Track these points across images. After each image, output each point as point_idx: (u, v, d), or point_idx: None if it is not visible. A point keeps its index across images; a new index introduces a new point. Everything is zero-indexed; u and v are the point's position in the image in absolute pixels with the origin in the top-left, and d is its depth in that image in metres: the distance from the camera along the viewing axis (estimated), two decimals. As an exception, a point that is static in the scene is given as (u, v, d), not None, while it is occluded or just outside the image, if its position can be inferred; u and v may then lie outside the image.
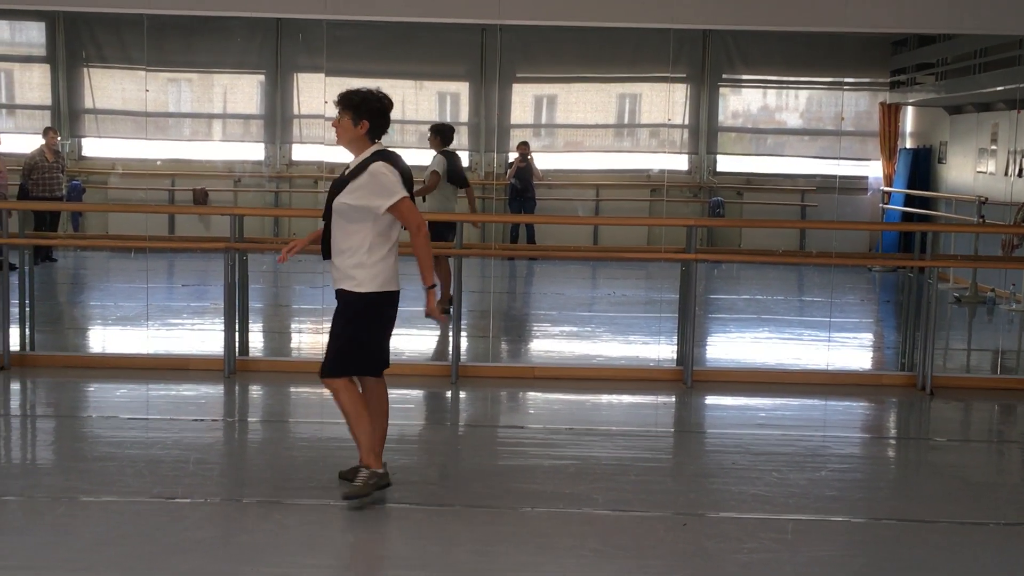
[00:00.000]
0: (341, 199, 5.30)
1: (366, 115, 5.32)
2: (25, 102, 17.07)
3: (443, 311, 10.79)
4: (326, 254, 5.43)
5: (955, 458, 6.95)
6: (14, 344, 8.45)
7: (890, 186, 16.28)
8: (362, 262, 5.29)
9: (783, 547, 5.09)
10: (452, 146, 10.84)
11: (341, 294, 5.39)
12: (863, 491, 6.11)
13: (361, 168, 5.31)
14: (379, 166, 5.28)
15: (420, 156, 11.39)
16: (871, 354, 10.58)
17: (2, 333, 8.23)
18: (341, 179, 5.38)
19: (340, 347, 5.39)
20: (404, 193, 5.29)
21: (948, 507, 5.80)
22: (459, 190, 10.81)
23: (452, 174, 10.60)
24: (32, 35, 16.79)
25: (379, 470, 5.42)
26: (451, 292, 10.79)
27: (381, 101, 5.39)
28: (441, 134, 10.67)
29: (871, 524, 5.53)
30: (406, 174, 5.39)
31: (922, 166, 15.83)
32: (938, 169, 15.66)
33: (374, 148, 5.37)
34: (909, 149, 16.33)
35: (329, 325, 5.47)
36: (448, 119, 16.69)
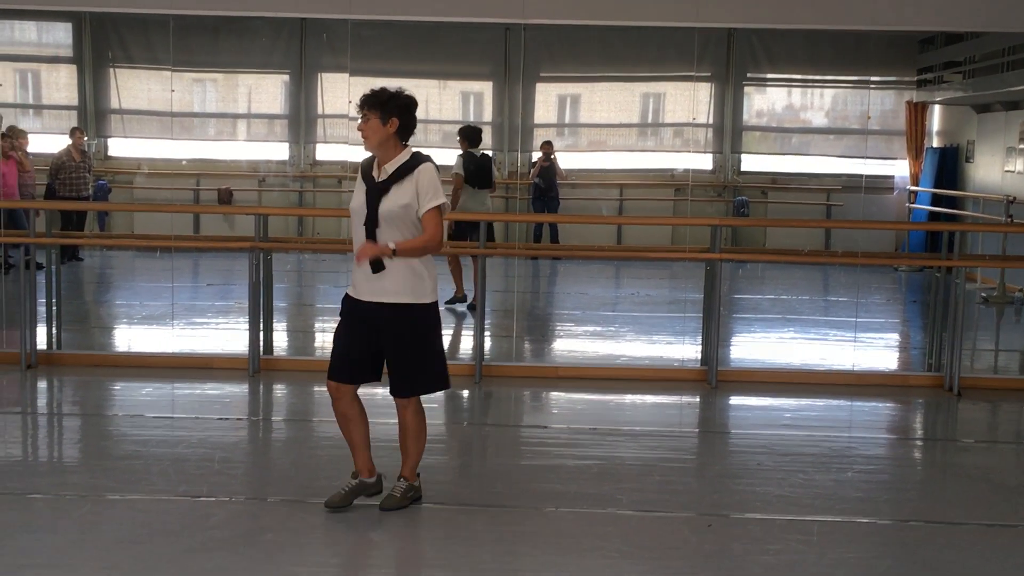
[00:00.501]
0: (391, 204, 5.07)
1: (395, 112, 5.11)
2: (52, 102, 17.19)
3: (468, 305, 10.90)
4: (376, 267, 5.08)
5: (982, 460, 6.89)
6: (41, 343, 8.51)
7: (917, 185, 16.16)
8: (419, 271, 5.14)
9: (809, 549, 5.05)
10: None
11: (410, 308, 5.13)
12: (890, 492, 6.06)
13: (406, 170, 5.10)
14: (429, 167, 5.15)
15: (445, 156, 11.42)
16: (897, 354, 10.50)
17: (29, 332, 8.28)
18: (378, 185, 5.11)
19: (423, 364, 5.23)
20: (443, 200, 5.17)
21: (976, 509, 5.75)
22: (484, 191, 10.89)
23: (470, 174, 10.70)
24: (59, 36, 16.90)
25: (416, 483, 5.44)
26: (476, 292, 10.86)
27: (408, 98, 5.20)
28: (469, 137, 10.83)
29: (898, 526, 5.49)
30: None
31: (949, 165, 15.71)
32: (965, 168, 15.53)
33: (411, 151, 5.20)
34: (936, 148, 16.20)
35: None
36: (472, 119, 16.72)
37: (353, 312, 5.23)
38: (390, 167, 5.14)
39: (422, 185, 5.09)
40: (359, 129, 5.18)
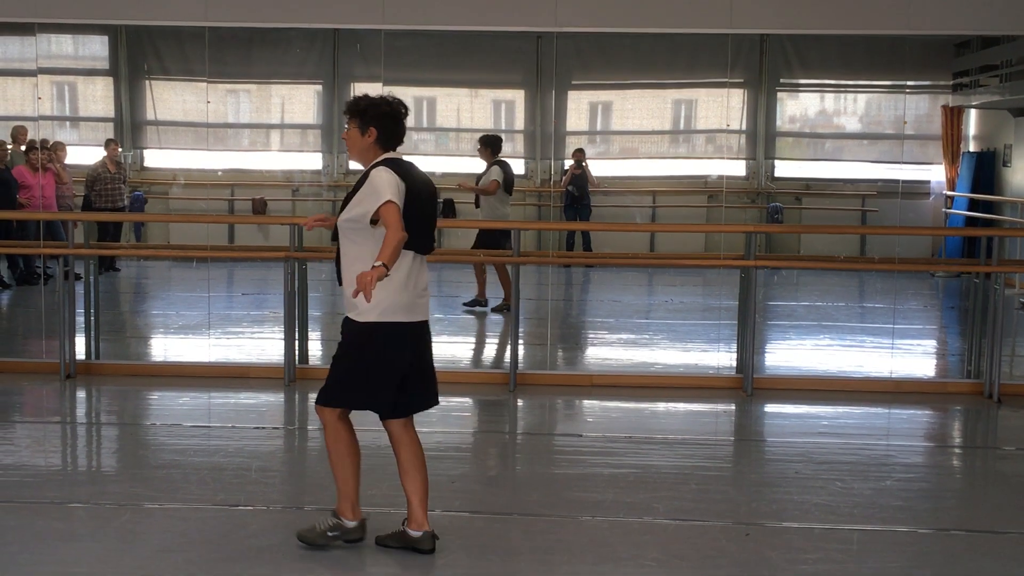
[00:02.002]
0: (342, 216, 4.79)
1: (373, 121, 4.80)
2: (89, 114, 17.38)
3: (504, 309, 10.97)
4: (338, 279, 4.91)
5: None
6: (80, 353, 8.60)
7: (953, 190, 16.01)
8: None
9: (848, 558, 5.01)
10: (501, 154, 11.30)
11: (350, 323, 4.88)
12: (929, 501, 6.00)
13: (364, 178, 4.77)
14: (378, 171, 4.71)
15: (478, 164, 11.53)
16: (936, 361, 10.40)
17: (68, 342, 8.37)
18: (348, 195, 4.86)
19: (336, 375, 4.92)
20: (391, 196, 4.61)
21: (1018, 518, 5.68)
22: (510, 197, 11.13)
23: (507, 183, 11.06)
24: (95, 48, 17.08)
25: (350, 523, 5.00)
26: (511, 299, 10.92)
27: (391, 105, 4.85)
28: (492, 145, 11.18)
29: (938, 535, 5.43)
30: (420, 183, 4.82)
31: (986, 170, 15.54)
32: (1002, 172, 15.36)
33: (383, 156, 4.83)
34: (972, 152, 16.04)
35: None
36: (503, 127, 16.75)
37: None
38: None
39: (368, 188, 4.70)
40: (343, 137, 4.95)
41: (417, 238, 4.75)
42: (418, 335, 4.93)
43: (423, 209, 4.83)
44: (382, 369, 4.86)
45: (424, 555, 4.93)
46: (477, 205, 11.24)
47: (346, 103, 4.93)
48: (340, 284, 4.94)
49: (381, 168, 4.74)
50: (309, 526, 5.08)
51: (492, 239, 10.67)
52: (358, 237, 4.75)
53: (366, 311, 4.74)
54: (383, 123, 4.83)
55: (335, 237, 4.91)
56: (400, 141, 4.92)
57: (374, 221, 4.68)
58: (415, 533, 4.98)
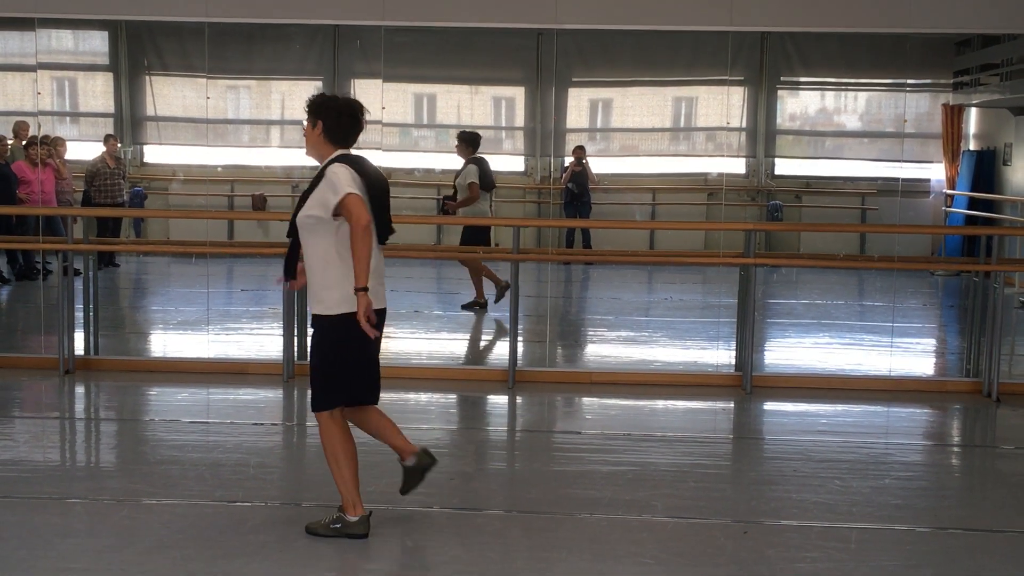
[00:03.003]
0: (301, 212, 4.95)
1: (322, 115, 4.97)
2: (89, 110, 17.36)
3: (476, 306, 10.97)
4: (289, 273, 5.15)
5: (1022, 466, 6.80)
6: (79, 348, 8.59)
7: (953, 189, 16.01)
8: (326, 282, 4.91)
9: (847, 556, 5.01)
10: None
11: (317, 320, 5.00)
12: (928, 500, 5.99)
13: (319, 176, 4.95)
14: (333, 167, 4.90)
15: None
16: (935, 360, 10.40)
17: (67, 338, 8.37)
18: (304, 194, 5.03)
19: (319, 377, 5.04)
20: (350, 189, 4.80)
21: (1016, 516, 5.68)
22: (490, 193, 11.02)
23: (484, 180, 10.86)
24: (95, 44, 17.07)
25: (351, 518, 5.08)
26: (484, 296, 10.93)
27: (336, 100, 5.05)
28: (470, 142, 10.99)
29: (937, 533, 5.43)
30: (373, 177, 4.99)
31: (986, 168, 15.54)
32: (1003, 171, 15.36)
33: (336, 153, 5.00)
34: (972, 151, 16.04)
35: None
36: (504, 124, 16.75)
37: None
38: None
39: (326, 184, 4.88)
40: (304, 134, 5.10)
41: (376, 228, 4.98)
42: (381, 321, 5.04)
43: (379, 201, 5.03)
44: (359, 356, 5.02)
45: (421, 543, 4.93)
46: (454, 212, 11.04)
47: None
48: (286, 279, 5.20)
49: (336, 164, 4.93)
50: (318, 519, 5.17)
51: (473, 237, 10.69)
52: (320, 229, 4.91)
53: (334, 304, 4.91)
54: (330, 117, 4.99)
55: (291, 234, 5.07)
56: (354, 139, 5.08)
57: (336, 214, 4.85)
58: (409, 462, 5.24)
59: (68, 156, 13.74)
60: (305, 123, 5.06)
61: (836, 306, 13.08)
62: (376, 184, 5.02)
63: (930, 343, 11.15)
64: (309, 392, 5.14)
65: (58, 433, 7.21)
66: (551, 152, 16.26)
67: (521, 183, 16.29)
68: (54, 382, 8.18)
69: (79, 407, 7.98)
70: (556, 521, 5.39)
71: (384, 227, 5.09)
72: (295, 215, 5.03)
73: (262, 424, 7.20)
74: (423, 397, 7.77)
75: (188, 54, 15.42)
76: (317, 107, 5.03)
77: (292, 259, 5.15)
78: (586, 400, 8.12)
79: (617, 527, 5.32)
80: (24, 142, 13.09)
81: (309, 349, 5.25)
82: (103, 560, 4.82)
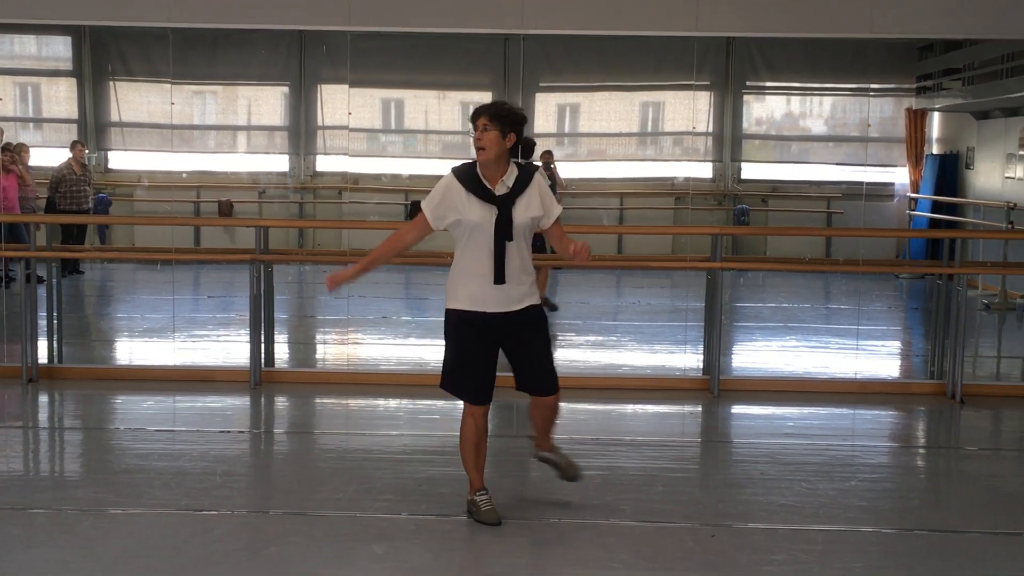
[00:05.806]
0: (523, 217, 5.22)
1: (512, 128, 5.21)
2: (52, 115, 17.22)
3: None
4: (500, 278, 5.24)
5: (987, 467, 6.87)
6: (42, 356, 8.51)
7: (917, 192, 16.16)
8: (533, 276, 5.39)
9: (813, 559, 5.03)
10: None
11: (533, 311, 5.42)
12: (894, 501, 6.04)
13: (524, 182, 5.25)
14: (540, 177, 5.37)
15: (444, 167, 11.47)
16: (900, 362, 10.49)
17: (30, 345, 8.28)
18: (505, 198, 5.19)
19: (550, 359, 5.60)
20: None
21: (980, 517, 5.73)
22: None
23: None
24: (59, 49, 16.94)
25: (476, 497, 5.46)
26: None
27: (524, 116, 5.34)
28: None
29: (902, 535, 5.47)
30: None
31: (949, 172, 15.71)
32: (965, 175, 15.53)
33: (513, 162, 5.32)
34: (936, 155, 16.20)
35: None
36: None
37: (482, 326, 5.34)
38: (508, 180, 5.23)
39: (547, 197, 5.32)
40: (476, 139, 5.20)
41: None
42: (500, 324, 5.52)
43: None
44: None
45: (391, 551, 4.91)
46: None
47: (481, 108, 5.24)
48: (502, 282, 5.24)
49: (538, 175, 5.35)
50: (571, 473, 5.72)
51: None
52: (529, 234, 5.29)
53: (536, 295, 5.39)
54: (521, 132, 5.28)
55: (510, 237, 5.20)
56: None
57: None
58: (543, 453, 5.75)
59: (32, 162, 13.61)
60: (489, 131, 5.17)
61: (802, 309, 13.16)
62: None
63: (895, 346, 11.25)
64: (545, 378, 5.74)
65: (21, 443, 7.13)
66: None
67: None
68: (17, 391, 8.09)
69: (43, 416, 7.89)
70: (525, 526, 5.39)
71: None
72: (509, 219, 5.17)
73: (229, 432, 7.15)
74: (392, 403, 7.77)
75: (153, 59, 15.33)
76: (514, 121, 5.23)
77: (501, 264, 5.24)
78: (554, 405, 8.09)
79: (586, 531, 5.33)
80: (-5, 148, 12.96)
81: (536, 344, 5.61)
82: (67, 571, 4.76)
